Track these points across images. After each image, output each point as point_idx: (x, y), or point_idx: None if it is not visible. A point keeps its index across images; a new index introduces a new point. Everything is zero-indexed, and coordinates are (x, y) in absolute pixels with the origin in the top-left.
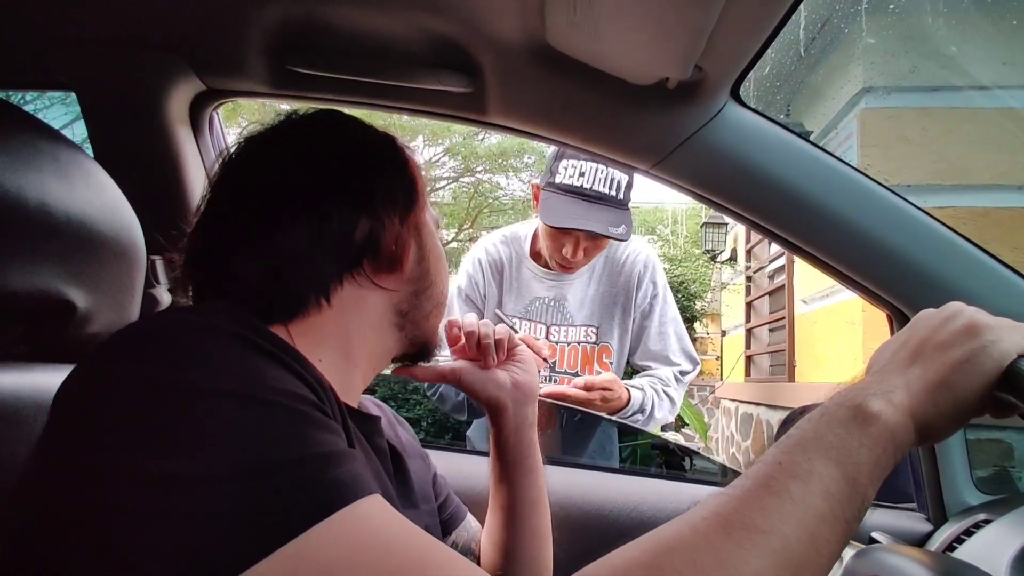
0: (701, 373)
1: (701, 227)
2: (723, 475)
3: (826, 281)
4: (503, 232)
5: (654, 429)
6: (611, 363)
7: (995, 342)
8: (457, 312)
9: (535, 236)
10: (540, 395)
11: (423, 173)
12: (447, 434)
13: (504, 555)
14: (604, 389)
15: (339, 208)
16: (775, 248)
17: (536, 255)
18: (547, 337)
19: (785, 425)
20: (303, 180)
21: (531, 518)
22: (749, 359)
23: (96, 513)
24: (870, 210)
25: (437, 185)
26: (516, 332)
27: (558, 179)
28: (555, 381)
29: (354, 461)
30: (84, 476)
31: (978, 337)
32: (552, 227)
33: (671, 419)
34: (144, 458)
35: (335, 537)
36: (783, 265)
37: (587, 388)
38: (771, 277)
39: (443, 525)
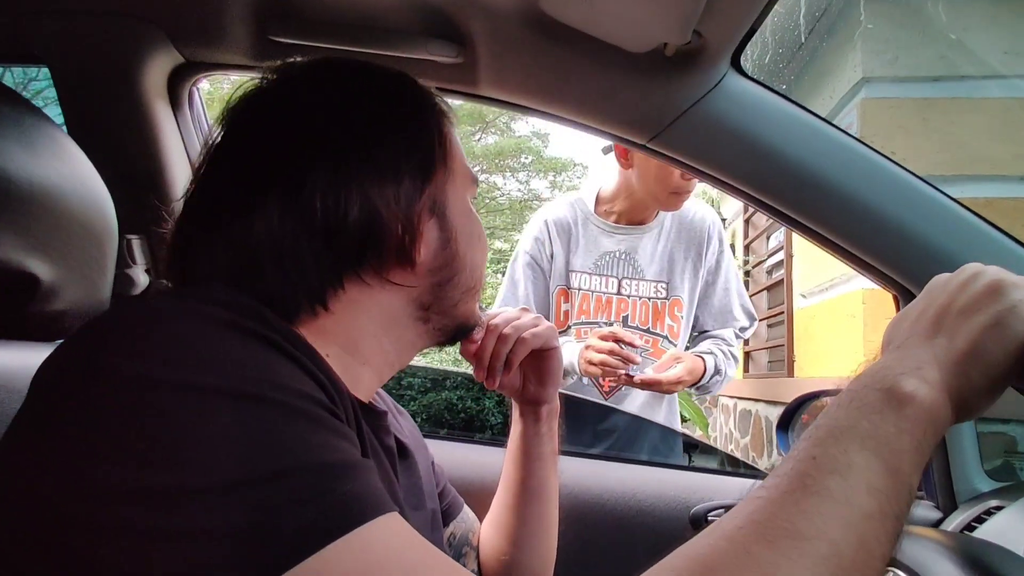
0: None
1: None
2: (722, 463)
3: (825, 275)
4: (566, 197)
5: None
6: (681, 316)
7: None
8: (521, 279)
9: (599, 198)
10: (637, 382)
11: (451, 125)
12: (442, 430)
13: (510, 541)
14: (679, 381)
15: (319, 184)
16: (773, 243)
17: (607, 213)
18: (619, 291)
19: (785, 416)
20: (277, 145)
21: (540, 505)
22: (747, 355)
23: (73, 531)
24: (876, 184)
25: None
26: (614, 335)
27: None
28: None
29: (371, 473)
30: (59, 487)
31: (1004, 297)
32: None
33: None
34: (127, 468)
35: (350, 561)
36: (781, 260)
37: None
38: (769, 272)
39: (441, 516)
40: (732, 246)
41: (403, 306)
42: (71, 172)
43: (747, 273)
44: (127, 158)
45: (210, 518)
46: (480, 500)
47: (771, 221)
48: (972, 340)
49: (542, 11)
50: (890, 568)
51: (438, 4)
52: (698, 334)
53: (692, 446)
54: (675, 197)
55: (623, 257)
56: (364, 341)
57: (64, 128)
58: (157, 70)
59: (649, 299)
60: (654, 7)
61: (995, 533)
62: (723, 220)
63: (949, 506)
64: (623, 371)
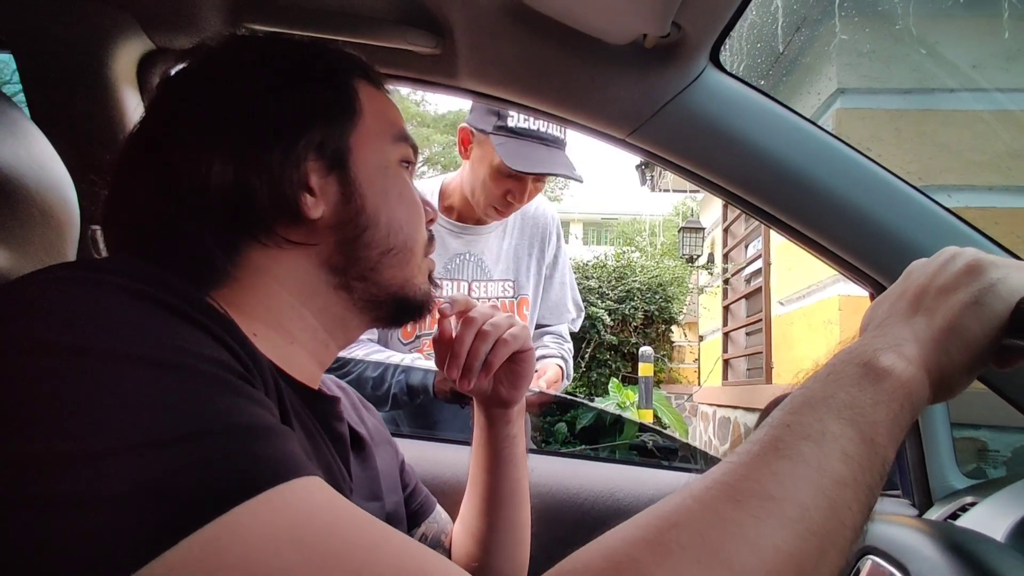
0: (679, 381)
1: (678, 232)
2: (703, 462)
3: (802, 282)
4: None
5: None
6: (528, 314)
7: (1002, 280)
8: None
9: (443, 192)
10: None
11: (368, 81)
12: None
13: (482, 546)
14: (556, 383)
15: (178, 148)
16: (752, 251)
17: (448, 209)
18: (469, 294)
19: (763, 417)
20: (150, 121)
21: (514, 509)
22: (727, 363)
23: None
24: (853, 180)
25: None
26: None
27: (511, 123)
28: None
29: (287, 439)
30: None
31: (982, 276)
32: (522, 172)
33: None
34: (17, 436)
35: (263, 519)
36: (760, 268)
37: (548, 386)
38: (748, 280)
39: (412, 516)
40: (711, 254)
41: (314, 270)
42: (29, 154)
43: (726, 281)
44: (93, 147)
45: (103, 484)
46: (454, 500)
47: (750, 229)
48: (951, 318)
49: (521, 1)
50: (870, 556)
51: None
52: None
53: (671, 451)
54: (493, 211)
55: (471, 259)
56: (284, 313)
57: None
58: (126, 56)
59: (498, 299)
60: None
61: (973, 525)
62: (702, 229)
63: (925, 503)
64: None
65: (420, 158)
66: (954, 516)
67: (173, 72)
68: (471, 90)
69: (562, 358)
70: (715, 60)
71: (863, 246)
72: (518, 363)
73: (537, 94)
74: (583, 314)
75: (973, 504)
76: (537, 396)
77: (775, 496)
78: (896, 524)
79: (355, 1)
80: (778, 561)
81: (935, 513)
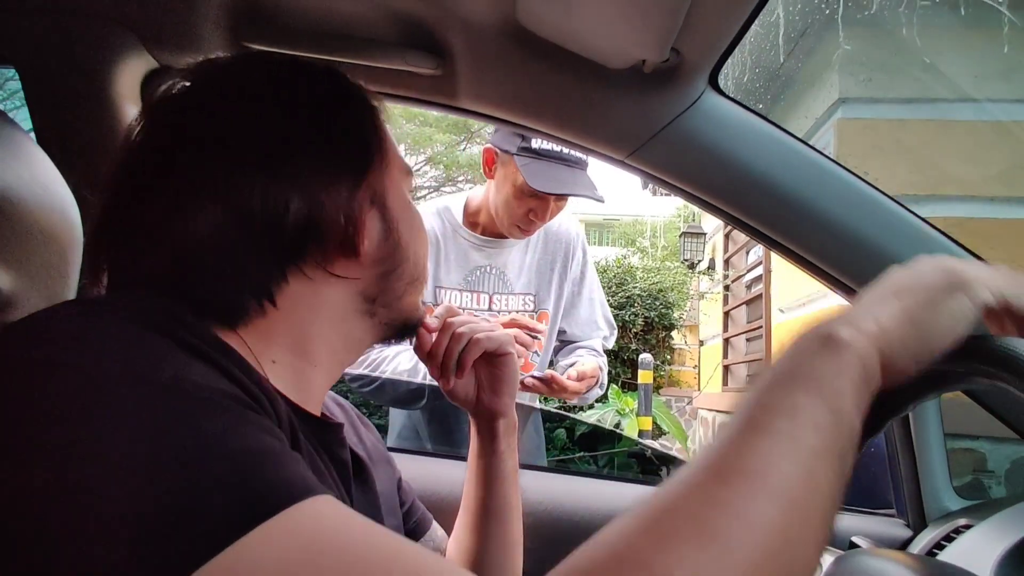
0: (679, 385)
1: (679, 237)
2: None
3: (803, 290)
4: (434, 205)
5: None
6: (547, 328)
7: (976, 281)
8: None
9: (467, 206)
10: (536, 384)
11: (383, 116)
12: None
13: (473, 561)
14: (592, 378)
15: (257, 182)
16: (752, 257)
17: (472, 224)
18: (490, 307)
19: None
20: (211, 146)
21: (504, 524)
22: (727, 369)
23: None
24: (849, 203)
25: (419, 194)
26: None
27: (535, 144)
28: None
29: (297, 462)
30: None
31: (959, 276)
32: (543, 192)
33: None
34: (20, 467)
35: (278, 540)
36: (760, 275)
37: (580, 379)
38: (748, 287)
39: (408, 535)
40: (712, 260)
41: (349, 300)
42: (32, 177)
43: (726, 287)
44: (97, 165)
45: (111, 515)
46: (451, 517)
47: None
48: (917, 308)
49: (521, 25)
50: None
51: (416, 15)
52: (563, 344)
53: (670, 460)
54: (517, 230)
55: (493, 272)
56: (312, 339)
57: (32, 132)
58: (129, 74)
59: (518, 312)
60: (632, 24)
61: (963, 552)
62: (703, 234)
63: (919, 524)
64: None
65: (423, 157)
66: (948, 538)
67: (200, 96)
68: (471, 110)
69: (600, 368)
70: (714, 84)
71: (858, 268)
72: (498, 367)
73: (537, 115)
74: (615, 331)
75: (968, 527)
76: (574, 382)
77: (757, 471)
78: (884, 559)
79: (355, 23)
80: (767, 532)
81: (929, 535)
